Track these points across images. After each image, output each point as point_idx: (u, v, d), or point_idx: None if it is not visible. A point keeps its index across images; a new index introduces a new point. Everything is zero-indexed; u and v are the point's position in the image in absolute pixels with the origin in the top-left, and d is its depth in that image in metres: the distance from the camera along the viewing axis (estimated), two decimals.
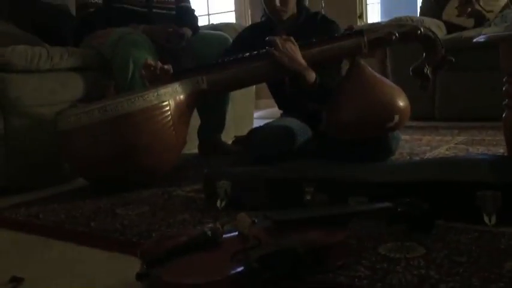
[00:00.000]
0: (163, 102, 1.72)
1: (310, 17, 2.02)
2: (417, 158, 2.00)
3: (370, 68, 1.78)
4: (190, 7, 2.46)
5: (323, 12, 3.60)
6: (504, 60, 1.52)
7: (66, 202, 1.71)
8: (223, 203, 1.47)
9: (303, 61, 1.75)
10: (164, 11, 2.31)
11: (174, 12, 2.36)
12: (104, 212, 1.55)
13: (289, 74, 1.82)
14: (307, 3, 2.05)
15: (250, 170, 1.57)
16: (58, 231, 1.42)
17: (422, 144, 2.28)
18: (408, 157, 2.03)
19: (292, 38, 1.77)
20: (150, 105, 1.69)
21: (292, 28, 1.98)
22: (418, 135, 2.55)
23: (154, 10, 2.28)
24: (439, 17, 3.32)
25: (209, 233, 1.00)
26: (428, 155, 2.04)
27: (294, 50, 1.74)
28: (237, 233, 1.05)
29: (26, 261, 1.23)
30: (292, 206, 1.35)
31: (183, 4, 2.42)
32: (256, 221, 1.08)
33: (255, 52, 1.81)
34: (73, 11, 2.51)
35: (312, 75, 1.76)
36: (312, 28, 1.95)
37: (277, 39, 1.75)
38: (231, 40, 2.24)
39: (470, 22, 3.22)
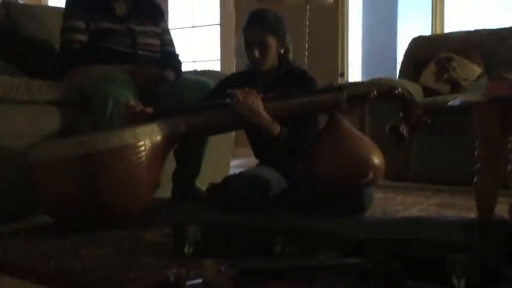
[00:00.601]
0: (139, 142, 1.70)
1: (290, 71, 2.06)
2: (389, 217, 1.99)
3: (347, 123, 1.81)
4: (175, 51, 2.49)
5: (305, 68, 3.69)
6: (477, 125, 1.56)
7: (29, 238, 1.65)
8: (191, 249, 1.43)
9: (264, 114, 1.78)
10: (149, 54, 2.33)
11: (158, 55, 2.39)
12: (67, 251, 1.50)
13: (250, 126, 1.84)
14: (291, 57, 2.10)
15: (220, 218, 1.54)
16: (16, 268, 1.35)
17: (395, 204, 2.29)
18: (381, 215, 2.02)
19: (254, 91, 1.80)
20: (125, 144, 1.67)
21: (271, 80, 2.02)
22: (391, 194, 2.57)
23: (139, 52, 2.30)
24: (417, 81, 3.42)
25: (172, 278, 0.97)
26: (401, 215, 2.04)
27: (256, 103, 1.77)
28: (201, 280, 1.02)
29: None
30: (261, 256, 1.32)
31: (167, 48, 2.45)
32: (222, 268, 1.05)
33: (228, 100, 1.84)
34: (58, 46, 2.51)
35: (275, 129, 1.78)
36: (291, 82, 1.98)
37: (238, 92, 1.78)
38: (212, 86, 2.26)
39: (447, 88, 3.32)
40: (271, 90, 1.90)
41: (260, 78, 2.03)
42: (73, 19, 2.23)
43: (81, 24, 2.23)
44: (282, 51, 2.03)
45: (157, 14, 2.45)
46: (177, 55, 2.49)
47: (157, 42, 2.39)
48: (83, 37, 2.23)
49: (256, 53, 1.95)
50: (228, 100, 1.80)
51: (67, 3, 2.31)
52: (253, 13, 2.01)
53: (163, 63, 2.32)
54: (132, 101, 1.84)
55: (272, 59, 2.00)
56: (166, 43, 2.45)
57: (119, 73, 2.06)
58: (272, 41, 1.96)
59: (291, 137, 1.80)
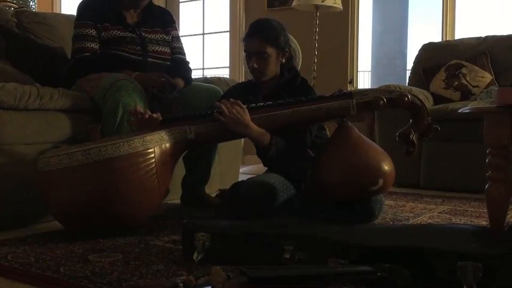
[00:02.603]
0: (149, 149, 1.71)
1: (290, 80, 2.05)
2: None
3: (357, 130, 1.80)
4: (185, 59, 2.51)
5: (314, 75, 3.69)
6: (488, 132, 1.55)
7: (38, 244, 1.65)
8: (200, 256, 1.43)
9: (251, 125, 1.78)
10: (159, 61, 2.35)
11: (168, 63, 2.40)
12: (76, 257, 1.50)
13: (238, 137, 1.84)
14: (299, 65, 2.10)
15: (229, 224, 1.54)
16: (25, 274, 1.36)
17: (405, 211, 2.27)
18: (391, 222, 2.01)
19: (239, 102, 1.80)
20: (134, 151, 1.68)
21: (271, 89, 2.02)
22: (402, 201, 2.55)
23: (149, 59, 2.31)
24: (426, 88, 3.41)
25: (181, 285, 0.96)
26: (411, 222, 2.02)
27: (241, 114, 1.77)
28: (210, 287, 1.02)
29: None
30: (269, 263, 1.32)
31: (178, 56, 2.47)
32: (231, 276, 1.05)
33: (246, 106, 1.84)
34: (69, 54, 2.53)
35: (264, 140, 1.78)
36: (289, 91, 1.98)
37: (223, 104, 1.78)
38: (222, 93, 2.27)
39: (457, 95, 3.31)
40: (270, 99, 1.90)
41: (262, 88, 2.04)
42: (84, 27, 2.25)
43: (93, 32, 2.25)
44: (284, 60, 2.03)
45: (168, 22, 2.47)
46: (188, 62, 2.50)
47: (167, 50, 2.40)
48: (94, 45, 2.24)
49: (255, 63, 1.96)
50: (215, 111, 1.81)
51: (78, 11, 2.33)
52: (253, 23, 2.03)
53: (174, 71, 2.33)
54: (140, 108, 1.85)
55: (272, 69, 2.00)
56: (177, 51, 2.46)
57: (129, 81, 2.07)
58: (271, 51, 1.96)
59: (287, 147, 1.80)
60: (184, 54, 2.51)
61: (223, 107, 1.77)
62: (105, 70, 2.16)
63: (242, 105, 1.79)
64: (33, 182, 1.82)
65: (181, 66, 2.44)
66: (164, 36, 2.41)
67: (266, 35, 1.95)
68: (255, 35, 1.97)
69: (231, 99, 1.80)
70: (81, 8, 2.32)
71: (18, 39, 2.52)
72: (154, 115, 1.82)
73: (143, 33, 2.33)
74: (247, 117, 1.78)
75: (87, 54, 2.24)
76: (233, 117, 1.76)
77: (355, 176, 1.69)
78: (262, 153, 1.85)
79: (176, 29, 2.53)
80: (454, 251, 1.20)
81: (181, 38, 2.57)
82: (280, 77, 2.04)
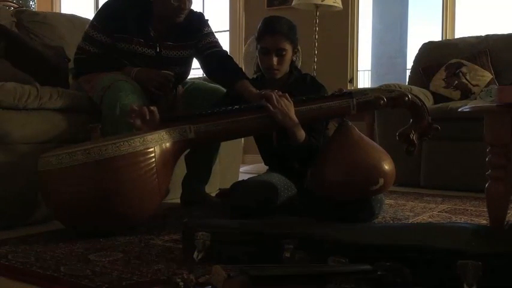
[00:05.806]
0: (149, 148, 1.71)
1: (300, 77, 2.06)
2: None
3: (357, 130, 1.81)
4: (228, 53, 2.31)
5: (315, 74, 3.69)
6: (488, 131, 1.55)
7: (39, 244, 1.66)
8: (200, 255, 1.43)
9: (295, 118, 1.77)
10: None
11: (184, 81, 2.32)
12: (76, 256, 1.50)
13: (279, 129, 1.84)
14: (299, 64, 2.10)
15: (230, 223, 1.54)
16: (25, 273, 1.36)
17: (405, 210, 2.27)
18: (391, 221, 2.01)
19: (287, 95, 1.80)
20: (135, 150, 1.68)
21: (282, 87, 2.02)
22: (402, 200, 2.55)
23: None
24: (427, 87, 3.41)
25: (181, 284, 0.97)
26: (412, 221, 2.03)
27: (288, 107, 1.77)
28: (210, 286, 1.02)
29: None
30: (270, 262, 1.32)
31: (222, 50, 2.27)
32: (231, 275, 1.05)
33: (247, 105, 1.83)
34: (69, 54, 2.53)
35: (302, 134, 1.78)
36: (301, 89, 1.98)
37: (273, 94, 1.78)
38: (224, 92, 2.26)
39: (457, 94, 3.31)
40: None
41: (270, 85, 2.03)
42: (97, 31, 2.16)
43: (103, 39, 2.16)
44: (294, 58, 2.03)
45: (199, 27, 2.29)
46: (231, 57, 2.30)
47: (185, 69, 2.33)
48: (97, 50, 2.18)
49: (275, 61, 1.94)
50: (263, 100, 1.80)
51: (101, 12, 2.21)
52: (269, 20, 1.99)
53: (235, 74, 2.10)
54: (135, 106, 1.80)
55: (287, 66, 2.00)
56: (213, 44, 2.30)
57: (127, 82, 2.06)
58: (289, 48, 1.96)
59: (310, 143, 1.80)
60: (221, 46, 2.33)
61: (273, 97, 1.78)
62: (105, 69, 2.15)
63: (289, 98, 1.80)
64: (33, 181, 1.82)
65: (234, 63, 2.20)
66: (187, 52, 2.28)
67: (284, 32, 1.94)
68: (275, 32, 1.94)
69: (279, 92, 1.81)
70: (105, 9, 2.20)
71: (17, 39, 2.52)
72: (151, 107, 1.77)
73: (163, 50, 2.21)
74: (293, 110, 1.79)
75: (83, 56, 2.21)
76: (281, 109, 1.77)
77: (356, 176, 1.70)
78: (295, 147, 1.82)
79: (208, 26, 2.33)
80: (454, 250, 1.20)
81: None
82: (290, 74, 2.04)
